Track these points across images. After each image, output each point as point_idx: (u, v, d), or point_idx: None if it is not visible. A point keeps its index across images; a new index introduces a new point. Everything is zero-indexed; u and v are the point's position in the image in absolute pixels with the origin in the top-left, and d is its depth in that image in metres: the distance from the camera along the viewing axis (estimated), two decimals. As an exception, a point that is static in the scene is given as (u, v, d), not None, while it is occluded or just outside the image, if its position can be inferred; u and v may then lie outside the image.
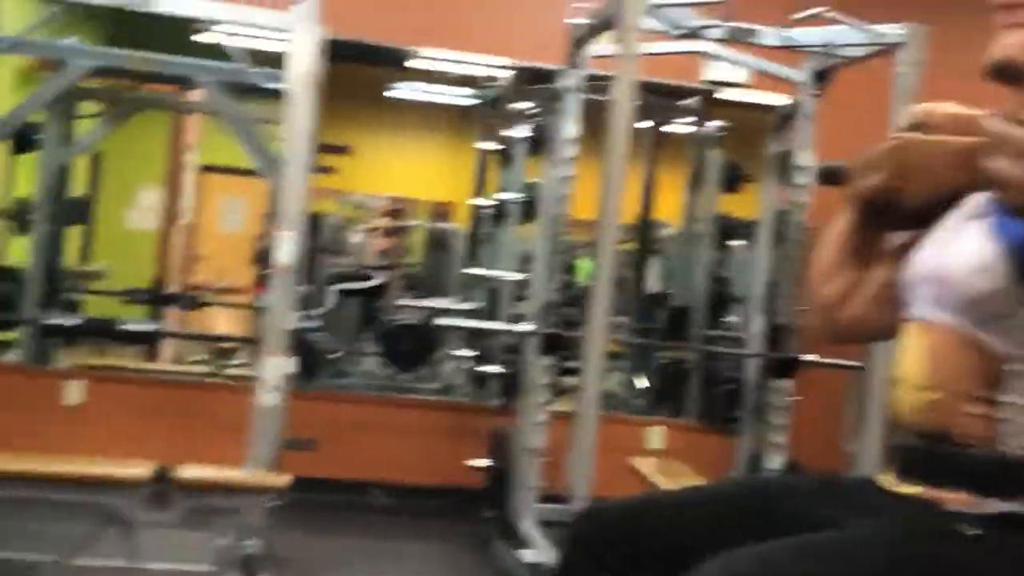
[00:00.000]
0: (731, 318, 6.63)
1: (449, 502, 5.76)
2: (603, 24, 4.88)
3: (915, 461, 1.55)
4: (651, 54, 4.86)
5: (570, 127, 5.22)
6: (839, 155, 5.92)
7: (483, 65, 6.45)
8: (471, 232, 7.00)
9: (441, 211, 10.40)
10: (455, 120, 13.98)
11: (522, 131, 5.93)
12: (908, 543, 1.45)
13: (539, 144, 5.68)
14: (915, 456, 1.55)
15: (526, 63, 6.21)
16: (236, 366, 6.19)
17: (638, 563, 1.64)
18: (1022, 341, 1.46)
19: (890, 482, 1.59)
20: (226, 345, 6.04)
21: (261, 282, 9.98)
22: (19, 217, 5.89)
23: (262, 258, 10.29)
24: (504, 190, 6.14)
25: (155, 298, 6.53)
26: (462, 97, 11.84)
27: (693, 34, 4.72)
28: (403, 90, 12.05)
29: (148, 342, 5.80)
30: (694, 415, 6.31)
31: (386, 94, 11.57)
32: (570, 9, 5.14)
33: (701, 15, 4.74)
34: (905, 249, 1.73)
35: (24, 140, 5.85)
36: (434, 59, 6.49)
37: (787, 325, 5.40)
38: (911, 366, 1.57)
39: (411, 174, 10.33)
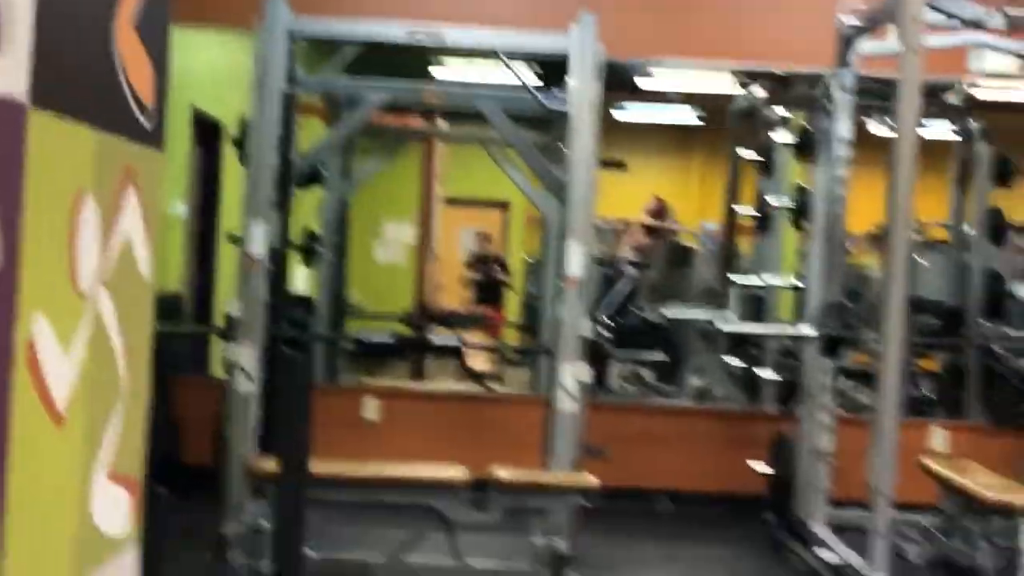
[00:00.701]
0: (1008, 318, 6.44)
1: (731, 508, 5.79)
2: (874, 21, 4.88)
3: None
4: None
5: (843, 128, 5.23)
6: None
7: (740, 72, 6.50)
8: (724, 241, 7.03)
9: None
10: (680, 139, 14.16)
11: (784, 136, 5.95)
12: None
13: (806, 148, 5.67)
14: None
15: (784, 69, 6.23)
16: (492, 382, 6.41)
17: None
18: None
19: None
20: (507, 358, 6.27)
21: (489, 303, 10.43)
22: (308, 249, 6.29)
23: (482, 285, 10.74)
24: (763, 198, 6.16)
25: (425, 321, 6.83)
26: (687, 115, 12.04)
27: (974, 24, 4.64)
28: (631, 111, 12.29)
29: (455, 355, 6.08)
30: (976, 416, 6.14)
31: (614, 114, 11.81)
32: (837, 9, 5.15)
33: (977, 3, 4.67)
34: None
35: (310, 176, 6.24)
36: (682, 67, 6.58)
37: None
38: None
39: (636, 195, 10.44)
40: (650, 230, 9.06)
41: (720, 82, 7.31)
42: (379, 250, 12.61)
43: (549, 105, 5.25)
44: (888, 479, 4.38)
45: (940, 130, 6.61)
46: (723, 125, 7.28)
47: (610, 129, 7.98)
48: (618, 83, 8.16)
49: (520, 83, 5.36)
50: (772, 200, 5.96)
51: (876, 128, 6.83)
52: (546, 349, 5.20)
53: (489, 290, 10.76)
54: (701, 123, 12.63)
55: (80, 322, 1.69)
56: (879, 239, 7.42)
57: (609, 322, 7.23)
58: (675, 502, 5.83)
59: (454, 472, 4.30)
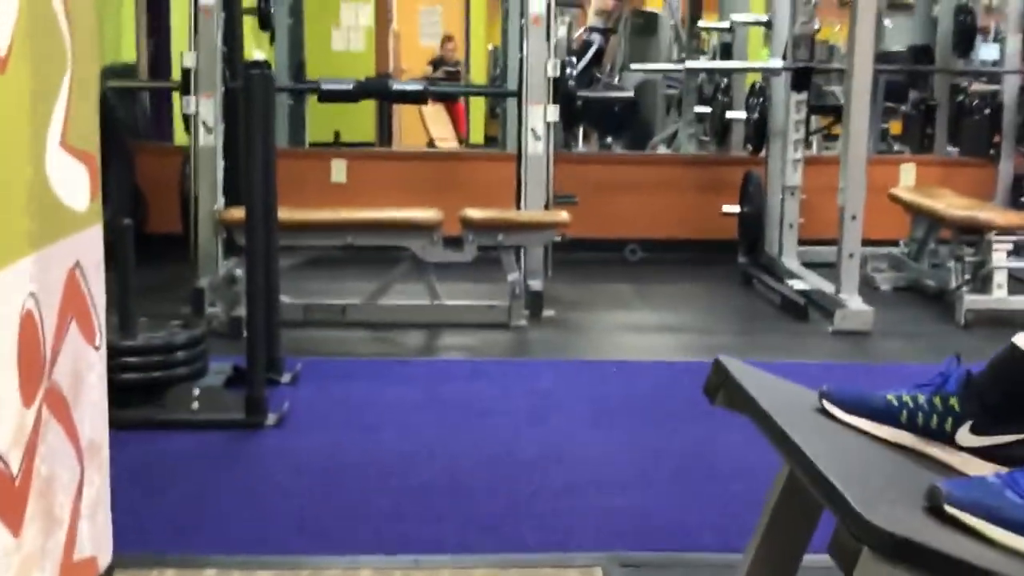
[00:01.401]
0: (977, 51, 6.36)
1: (703, 252, 5.84)
2: None
3: None
4: None
5: None
6: None
7: None
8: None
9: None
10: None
11: None
12: None
13: None
14: None
15: None
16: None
17: None
18: None
19: None
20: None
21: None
22: (262, 10, 6.08)
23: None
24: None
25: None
26: None
27: None
28: None
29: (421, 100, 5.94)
30: (944, 150, 6.15)
31: None
32: None
33: None
34: None
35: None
36: None
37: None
38: None
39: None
40: None
41: None
42: (336, 37, 12.25)
43: None
44: (857, 198, 4.40)
45: None
46: None
47: None
48: None
49: None
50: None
51: None
52: (512, 91, 5.10)
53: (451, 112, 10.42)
54: None
55: (12, -35, 1.60)
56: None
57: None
58: (647, 249, 5.87)
59: (427, 213, 4.29)
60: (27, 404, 1.66)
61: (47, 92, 1.76)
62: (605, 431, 3.15)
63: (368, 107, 7.92)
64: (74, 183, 1.88)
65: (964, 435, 1.61)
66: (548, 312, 4.48)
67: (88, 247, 1.95)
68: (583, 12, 9.44)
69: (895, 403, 1.64)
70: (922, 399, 1.64)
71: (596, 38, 8.49)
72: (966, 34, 6.09)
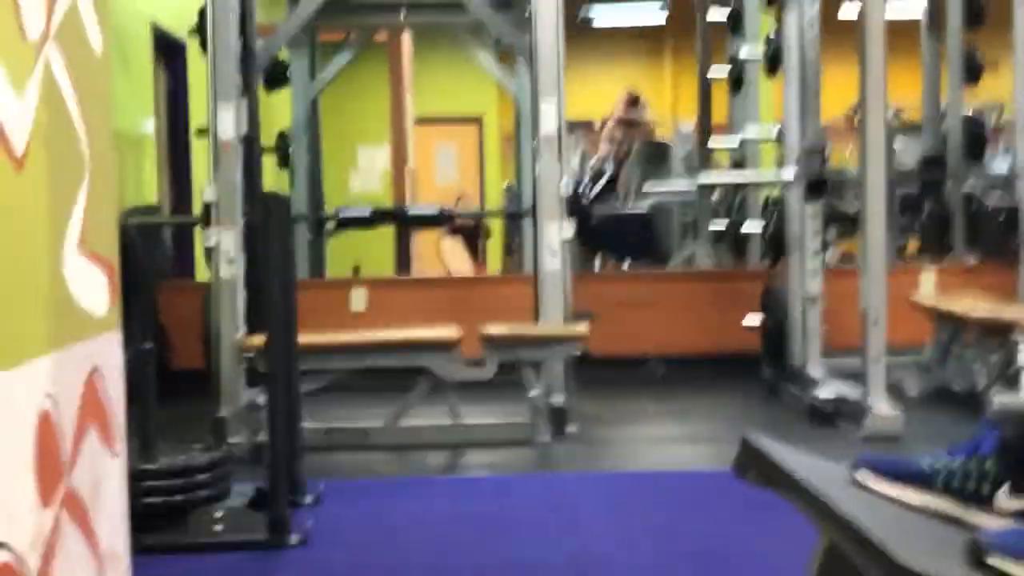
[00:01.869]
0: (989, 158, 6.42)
1: (726, 366, 5.80)
2: None
3: None
4: None
5: (811, -30, 5.17)
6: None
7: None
8: (701, 112, 6.98)
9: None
10: (650, 42, 14.06)
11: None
12: None
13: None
14: None
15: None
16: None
17: None
18: None
19: None
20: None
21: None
22: (281, 149, 6.22)
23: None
24: (735, 55, 6.10)
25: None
26: (654, 14, 11.95)
27: None
28: (598, 15, 12.20)
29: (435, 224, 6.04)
30: (962, 256, 6.15)
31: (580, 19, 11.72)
32: None
33: None
34: None
35: (275, 74, 6.15)
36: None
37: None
38: None
39: (608, 101, 10.34)
40: (627, 123, 8.99)
41: None
42: (355, 179, 12.47)
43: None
44: (879, 302, 4.39)
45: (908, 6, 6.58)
46: (689, 23, 7.23)
47: (578, 35, 7.93)
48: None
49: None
50: (745, 53, 5.91)
51: (846, 12, 6.81)
52: (527, 211, 5.16)
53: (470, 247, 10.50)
54: (667, 20, 12.57)
55: (32, 69, 1.64)
56: (853, 121, 7.45)
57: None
58: (668, 365, 5.84)
59: (446, 331, 4.28)
60: (45, 505, 1.64)
61: (65, 194, 1.78)
62: (633, 543, 3.08)
63: (387, 241, 8.02)
64: (92, 287, 1.89)
65: (1003, 498, 1.57)
66: (571, 428, 4.43)
67: (106, 352, 1.95)
68: (594, 144, 9.59)
69: (930, 469, 1.60)
70: (958, 464, 1.60)
71: (608, 167, 8.63)
72: (976, 142, 6.15)
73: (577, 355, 4.53)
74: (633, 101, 9.11)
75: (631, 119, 9.03)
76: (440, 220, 5.49)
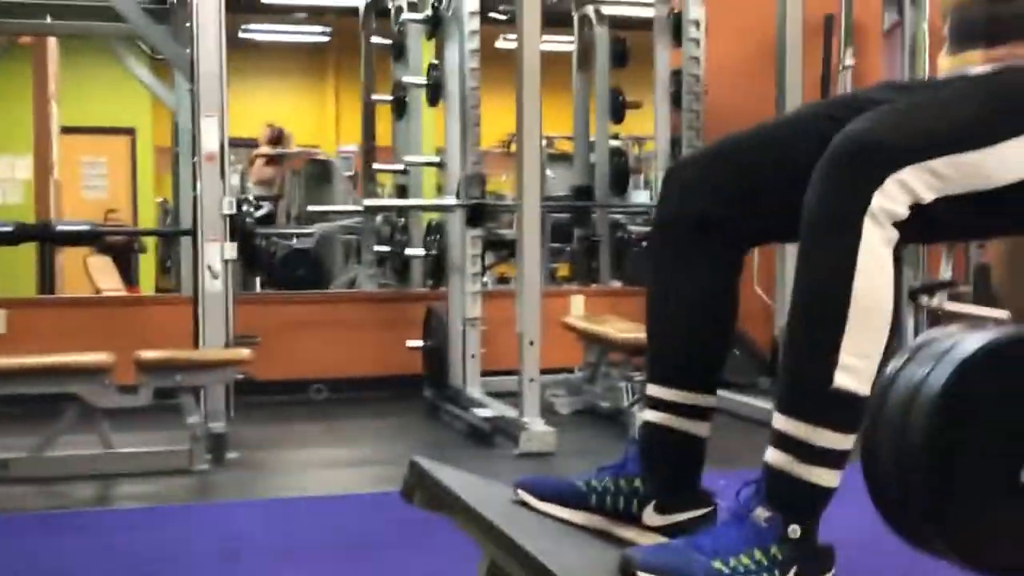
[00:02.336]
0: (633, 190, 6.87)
1: (390, 389, 5.87)
2: None
3: (974, 27, 1.75)
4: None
5: (471, 1, 5.33)
6: (729, 6, 6.21)
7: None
8: (365, 135, 7.04)
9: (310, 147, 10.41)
10: (312, 58, 14.00)
11: (414, 16, 6.00)
12: (997, 83, 1.67)
13: (437, 26, 5.76)
14: (974, 21, 1.75)
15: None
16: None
17: (730, 198, 1.77)
18: None
19: (944, 66, 1.79)
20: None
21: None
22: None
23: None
24: (399, 81, 6.20)
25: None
26: (316, 34, 11.94)
27: None
28: (257, 31, 12.02)
29: (86, 242, 5.69)
30: (609, 281, 6.54)
31: (241, 35, 11.50)
32: None
33: None
34: None
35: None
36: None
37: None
38: None
39: (269, 117, 10.23)
40: (270, 159, 8.98)
41: None
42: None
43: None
44: (534, 324, 4.57)
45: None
46: (353, 43, 7.27)
47: (238, 49, 7.80)
48: (242, 2, 7.99)
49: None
50: (408, 80, 6.01)
51: (504, 42, 7.09)
52: (187, 230, 5.00)
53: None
54: (331, 38, 12.59)
55: None
56: (510, 149, 7.77)
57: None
58: (334, 388, 5.83)
59: (97, 357, 4.06)
60: None
61: None
62: (301, 566, 3.04)
63: (26, 258, 7.49)
64: None
65: (650, 515, 1.68)
66: (232, 454, 4.32)
67: None
68: (257, 155, 9.46)
69: (584, 488, 1.69)
70: (608, 482, 1.70)
71: (265, 204, 8.54)
72: (621, 174, 6.57)
73: (239, 379, 4.43)
74: (276, 138, 9.14)
75: (275, 155, 9.04)
76: (91, 237, 5.21)
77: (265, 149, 9.01)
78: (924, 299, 4.56)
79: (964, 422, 1.69)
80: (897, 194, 1.52)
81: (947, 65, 1.82)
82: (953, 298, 4.79)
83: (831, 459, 1.52)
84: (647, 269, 1.88)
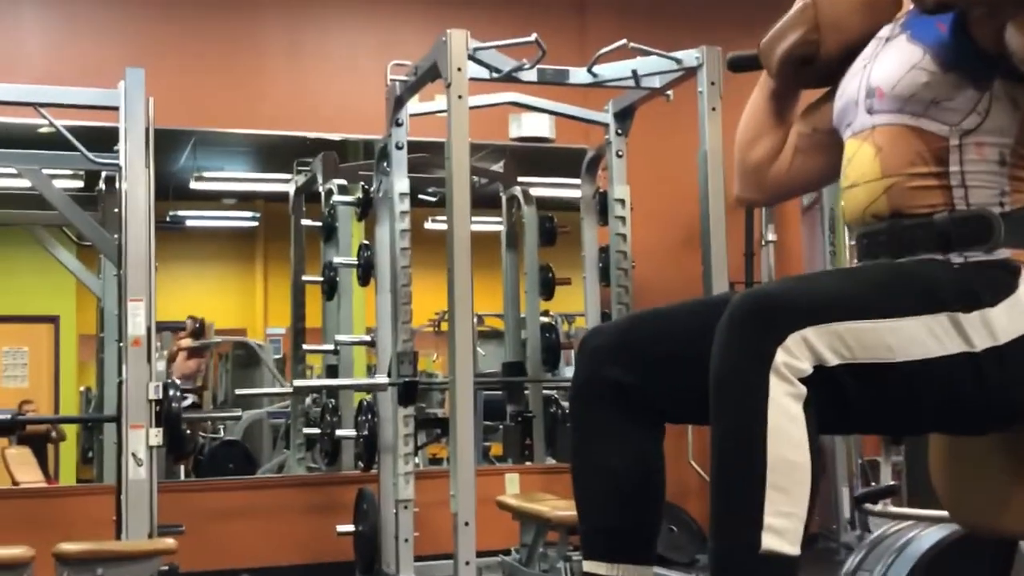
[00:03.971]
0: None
1: (321, 575, 5.68)
2: (421, 79, 5.12)
3: (880, 242, 1.79)
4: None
5: (402, 183, 5.41)
6: (653, 185, 6.39)
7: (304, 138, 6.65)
8: (295, 317, 7.01)
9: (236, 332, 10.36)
10: (241, 243, 14.06)
11: (345, 199, 6.08)
12: (903, 265, 1.69)
13: (367, 208, 5.84)
14: (880, 237, 1.79)
15: (342, 135, 6.43)
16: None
17: (643, 366, 1.79)
18: (959, 119, 1.74)
19: None
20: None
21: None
22: None
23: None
24: (329, 262, 6.23)
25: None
26: (244, 220, 12.02)
27: (509, 77, 5.00)
28: (185, 216, 12.08)
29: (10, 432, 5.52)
30: (543, 458, 6.48)
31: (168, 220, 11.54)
32: (388, 71, 5.37)
33: (515, 59, 5.02)
34: (819, 103, 2.00)
35: None
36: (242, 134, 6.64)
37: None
38: (860, 168, 1.82)
39: (196, 301, 10.20)
40: (192, 351, 8.95)
41: (276, 183, 7.49)
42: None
43: (98, 162, 5.02)
44: (468, 505, 4.48)
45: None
46: (281, 227, 7.35)
47: (165, 233, 7.83)
48: (171, 189, 8.09)
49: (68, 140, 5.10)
50: (339, 261, 6.03)
51: (432, 224, 7.24)
52: (112, 416, 4.88)
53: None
54: (260, 223, 12.68)
55: None
56: (440, 326, 7.82)
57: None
58: (260, 577, 5.64)
59: (15, 551, 3.89)
60: None
61: None
62: None
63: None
64: None
65: None
66: (156, 651, 4.12)
67: None
68: (179, 348, 9.36)
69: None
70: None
71: (190, 396, 8.44)
72: (552, 349, 6.59)
73: (163, 571, 4.25)
74: (197, 331, 9.14)
75: (198, 347, 9.01)
76: (11, 427, 5.06)
77: (187, 342, 8.95)
78: (868, 506, 4.63)
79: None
80: (800, 351, 1.53)
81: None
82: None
83: None
84: (570, 440, 1.86)
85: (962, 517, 1.97)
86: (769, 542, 1.49)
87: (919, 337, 1.59)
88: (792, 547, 1.50)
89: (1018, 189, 1.74)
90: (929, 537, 1.79)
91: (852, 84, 1.88)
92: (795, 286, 1.62)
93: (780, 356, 1.51)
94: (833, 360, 1.54)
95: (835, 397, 1.58)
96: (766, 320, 1.53)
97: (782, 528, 1.49)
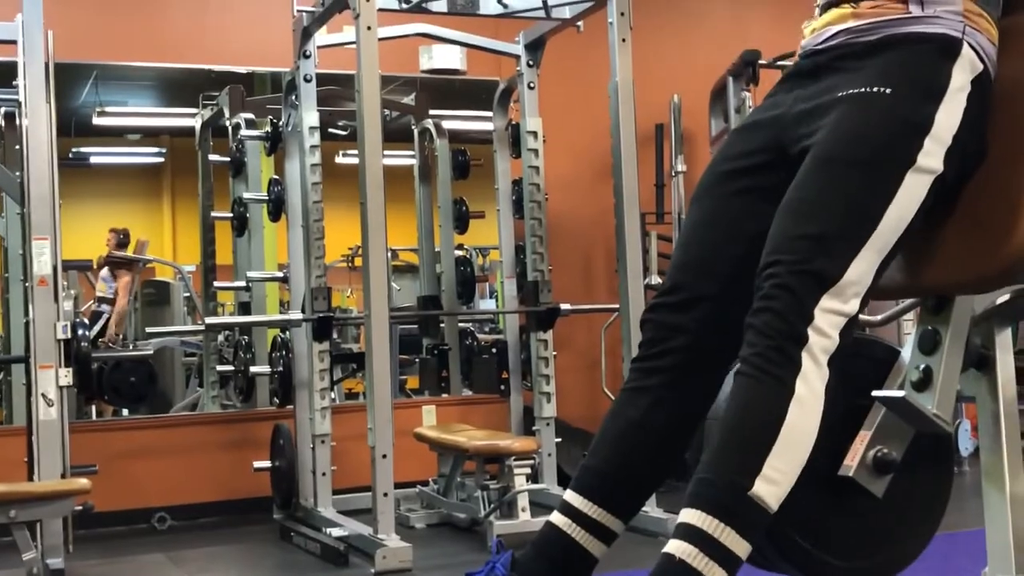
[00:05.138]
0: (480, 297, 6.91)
1: (238, 512, 5.68)
2: (329, 10, 5.04)
3: (842, 30, 1.90)
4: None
5: (310, 117, 5.35)
6: (565, 117, 6.40)
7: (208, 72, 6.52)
8: (205, 254, 6.91)
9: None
10: (147, 179, 13.77)
11: (253, 133, 5.99)
12: (856, 128, 1.80)
13: (276, 143, 5.76)
14: (846, 21, 1.90)
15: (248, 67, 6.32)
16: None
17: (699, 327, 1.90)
18: None
19: (814, 26, 1.95)
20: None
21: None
22: None
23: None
24: (239, 198, 6.14)
25: None
26: (150, 156, 11.77)
27: (419, 7, 4.95)
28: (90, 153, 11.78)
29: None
30: (460, 390, 6.52)
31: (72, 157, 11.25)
32: (293, 1, 5.28)
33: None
34: None
35: None
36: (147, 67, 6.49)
37: (538, 282, 5.72)
38: None
39: (103, 239, 9.97)
40: (118, 263, 8.71)
41: (182, 118, 7.34)
42: None
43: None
44: (385, 438, 4.51)
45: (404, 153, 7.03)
46: (188, 163, 7.19)
47: (69, 171, 7.62)
48: (73, 125, 7.85)
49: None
50: (248, 197, 5.96)
51: (343, 159, 7.16)
52: (20, 357, 4.79)
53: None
54: (167, 159, 12.43)
55: None
56: (354, 262, 7.77)
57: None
58: (178, 516, 5.61)
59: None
60: None
61: None
62: None
63: None
64: None
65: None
66: (72, 591, 4.10)
67: None
68: (90, 287, 9.15)
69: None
70: (477, 586, 1.67)
71: (105, 308, 8.30)
72: (468, 283, 6.61)
73: (77, 512, 4.21)
74: (122, 241, 8.89)
75: (122, 258, 8.77)
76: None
77: (113, 252, 8.68)
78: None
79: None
80: (826, 325, 1.67)
81: (816, 25, 1.94)
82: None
83: (729, 562, 1.57)
84: (620, 393, 1.96)
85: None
86: (759, 488, 1.59)
87: (904, 209, 1.76)
88: (774, 502, 1.60)
89: None
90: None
91: None
92: (799, 254, 1.72)
93: (812, 337, 1.66)
94: (854, 307, 1.71)
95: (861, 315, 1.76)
96: (792, 307, 1.67)
97: (774, 480, 1.61)
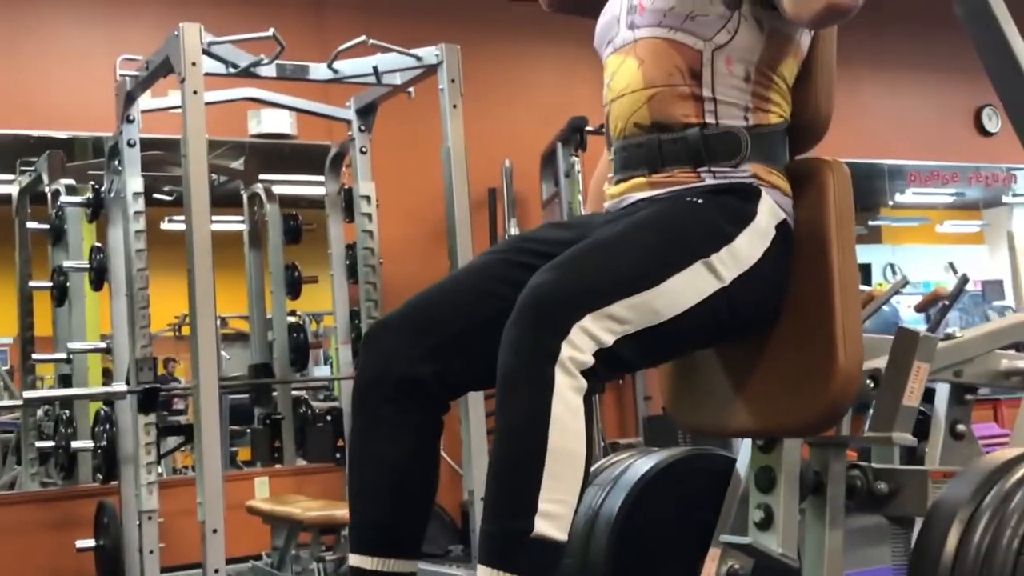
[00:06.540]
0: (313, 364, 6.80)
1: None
2: (154, 74, 4.93)
3: (639, 155, 1.93)
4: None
5: (136, 182, 5.19)
6: (398, 182, 6.41)
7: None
8: (22, 325, 6.61)
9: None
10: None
11: (74, 199, 5.79)
12: (660, 217, 1.83)
13: (98, 209, 5.59)
14: (639, 150, 1.93)
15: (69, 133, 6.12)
16: None
17: (436, 350, 1.84)
18: (712, 34, 1.89)
19: (613, 193, 1.94)
20: None
21: None
22: None
23: None
24: (59, 266, 5.91)
25: None
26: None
27: (247, 72, 4.89)
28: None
29: None
30: (293, 459, 6.38)
31: None
32: (115, 65, 5.16)
33: (253, 54, 4.92)
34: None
35: None
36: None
37: (374, 347, 5.66)
38: (625, 79, 1.95)
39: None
40: None
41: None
42: None
43: None
44: (216, 512, 4.36)
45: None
46: (4, 230, 6.89)
47: None
48: None
49: None
50: (69, 265, 5.74)
51: (169, 225, 6.97)
52: None
53: None
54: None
55: None
56: (181, 330, 7.54)
57: None
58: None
59: None
60: None
61: None
62: None
63: None
64: None
65: None
66: None
67: None
68: None
69: None
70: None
71: None
72: (301, 349, 6.50)
73: None
74: None
75: None
76: None
77: None
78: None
79: (641, 540, 1.87)
80: (582, 342, 1.62)
81: (615, 192, 1.98)
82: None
83: None
84: (350, 435, 1.88)
85: (682, 418, 2.08)
86: (541, 527, 1.56)
87: (682, 292, 1.75)
88: (561, 533, 1.58)
89: (760, 107, 1.92)
90: (646, 462, 1.95)
91: (614, 4, 2.03)
92: (572, 276, 1.69)
93: (565, 351, 1.60)
94: (610, 340, 1.65)
95: (618, 365, 1.71)
96: (550, 317, 1.62)
97: (554, 514, 1.57)
